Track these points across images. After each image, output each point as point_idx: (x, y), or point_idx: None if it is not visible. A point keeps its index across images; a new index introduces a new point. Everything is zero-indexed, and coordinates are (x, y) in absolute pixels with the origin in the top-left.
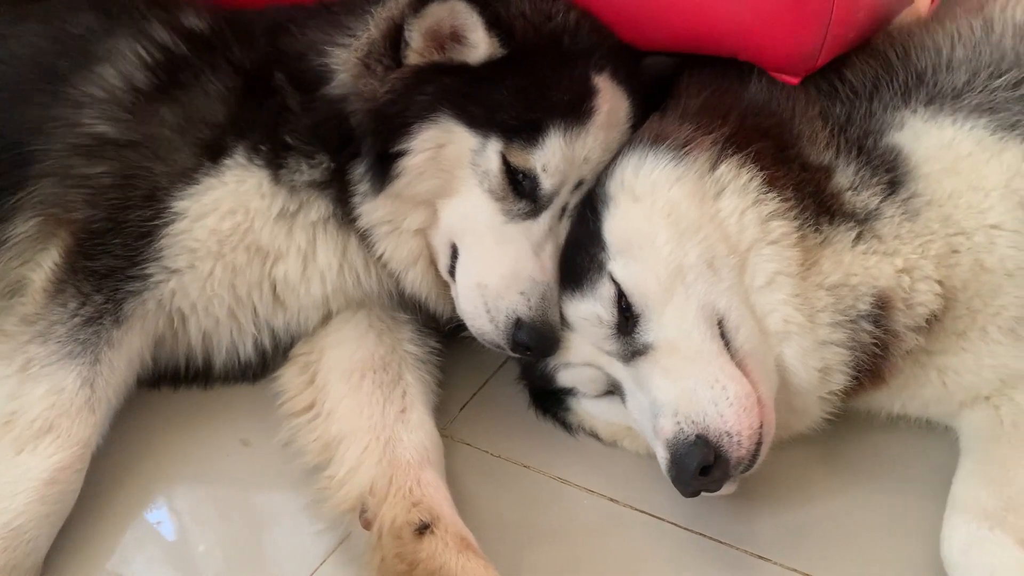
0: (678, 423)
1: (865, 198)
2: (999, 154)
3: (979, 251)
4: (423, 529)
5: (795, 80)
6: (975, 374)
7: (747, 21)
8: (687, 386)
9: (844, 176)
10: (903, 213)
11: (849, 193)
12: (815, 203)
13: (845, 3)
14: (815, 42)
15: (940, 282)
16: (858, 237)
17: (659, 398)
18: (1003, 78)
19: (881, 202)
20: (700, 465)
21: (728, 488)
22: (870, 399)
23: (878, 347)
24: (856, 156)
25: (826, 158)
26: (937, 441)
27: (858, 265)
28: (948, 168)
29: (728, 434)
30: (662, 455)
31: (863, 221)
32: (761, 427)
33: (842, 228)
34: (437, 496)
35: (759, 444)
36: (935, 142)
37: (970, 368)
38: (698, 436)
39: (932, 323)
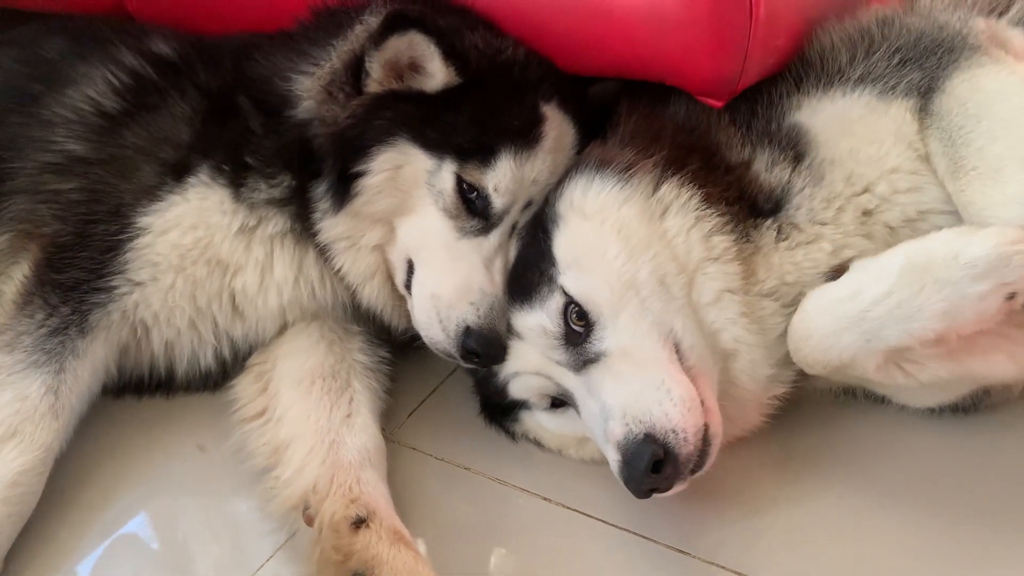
0: (627, 424)
1: (777, 173)
2: (886, 110)
3: (884, 211)
4: (359, 523)
5: (719, 104)
6: None
7: (670, 50)
8: (634, 389)
9: (760, 163)
10: (810, 180)
11: (765, 174)
12: (741, 205)
13: (762, 34)
14: (734, 69)
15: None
16: (779, 233)
17: (608, 402)
18: (877, 53)
19: (791, 174)
20: (651, 461)
21: (677, 487)
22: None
23: None
24: (767, 143)
25: (744, 155)
26: (886, 447)
27: (788, 263)
28: (844, 131)
29: (674, 431)
30: (614, 458)
31: (779, 207)
32: (707, 428)
33: (763, 228)
34: (375, 494)
35: (706, 443)
36: (829, 112)
37: None
38: (646, 435)
39: None
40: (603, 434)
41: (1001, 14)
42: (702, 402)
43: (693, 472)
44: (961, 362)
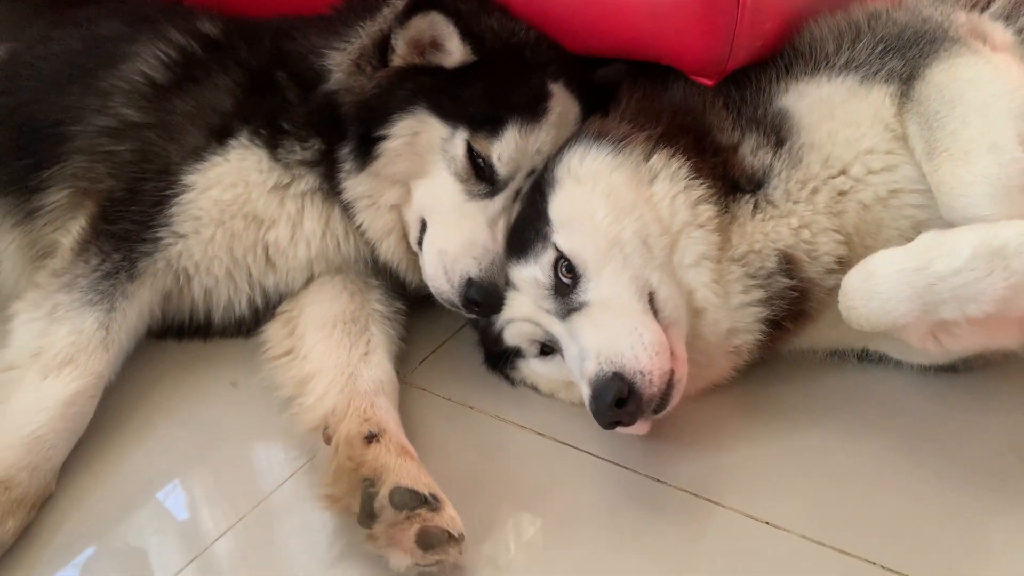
0: (599, 364)
1: (760, 156)
2: (867, 95)
3: (858, 190)
4: (371, 438)
5: (710, 82)
6: None
7: (664, 33)
8: (610, 334)
9: (746, 146)
10: (788, 163)
11: (749, 157)
12: (725, 182)
13: (748, 19)
14: (722, 51)
15: (837, 231)
16: (756, 206)
17: (586, 345)
18: (862, 43)
19: (773, 157)
20: (615, 397)
21: (642, 427)
22: (808, 338)
23: (797, 293)
24: (754, 128)
25: (734, 138)
26: (850, 398)
27: (758, 232)
28: (826, 114)
29: (641, 373)
30: (586, 392)
31: (758, 187)
32: (673, 373)
33: (742, 201)
34: (386, 416)
35: (670, 386)
36: (814, 96)
37: None
38: (615, 373)
39: (843, 264)
40: (580, 372)
41: (983, 9)
42: (671, 350)
43: (657, 412)
44: (991, 337)
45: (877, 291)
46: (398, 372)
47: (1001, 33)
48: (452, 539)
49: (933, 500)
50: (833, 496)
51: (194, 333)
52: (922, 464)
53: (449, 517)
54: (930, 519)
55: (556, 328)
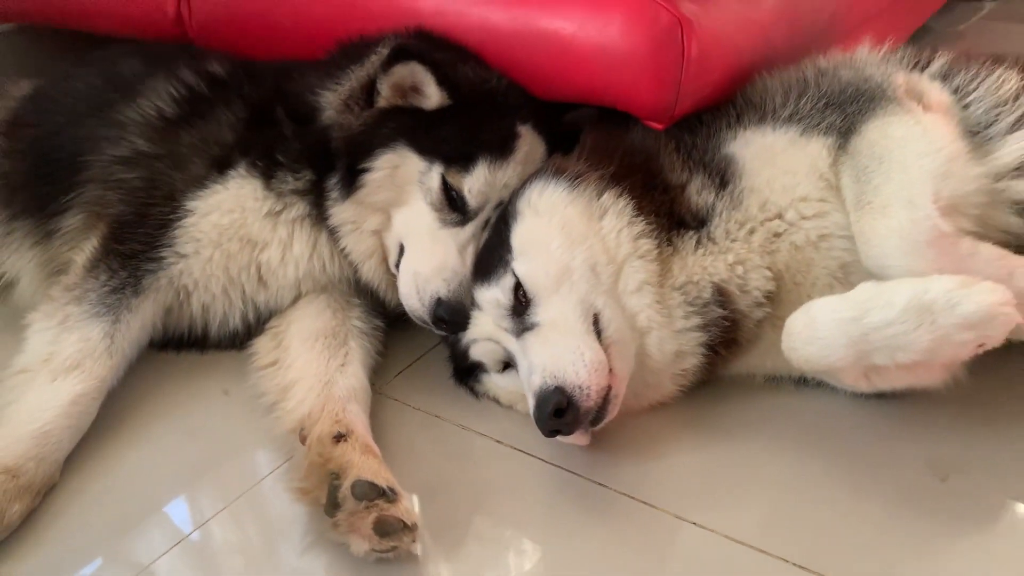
0: (544, 378)
1: (705, 197)
2: (805, 146)
3: (791, 233)
4: (339, 437)
5: (660, 126)
6: None
7: (618, 81)
8: (555, 352)
9: (693, 186)
10: (730, 203)
11: (695, 197)
12: (669, 219)
13: (693, 70)
14: (670, 98)
15: (769, 268)
16: (698, 243)
17: (535, 361)
18: (806, 97)
19: (715, 197)
20: (555, 408)
21: (581, 438)
22: (745, 363)
23: (729, 322)
24: (701, 170)
25: (682, 178)
26: (785, 415)
27: (698, 265)
28: (767, 161)
29: (580, 387)
30: (531, 403)
31: (701, 225)
32: (610, 389)
33: (686, 237)
34: (356, 420)
35: (606, 401)
36: (759, 144)
37: None
38: (557, 387)
39: (771, 298)
40: (528, 385)
41: (923, 68)
42: (610, 368)
43: (594, 424)
44: (917, 378)
45: (817, 336)
46: (374, 384)
47: (937, 93)
48: (407, 528)
49: (852, 507)
50: (758, 502)
51: (192, 345)
52: (846, 476)
53: (405, 508)
54: (847, 525)
55: (512, 345)
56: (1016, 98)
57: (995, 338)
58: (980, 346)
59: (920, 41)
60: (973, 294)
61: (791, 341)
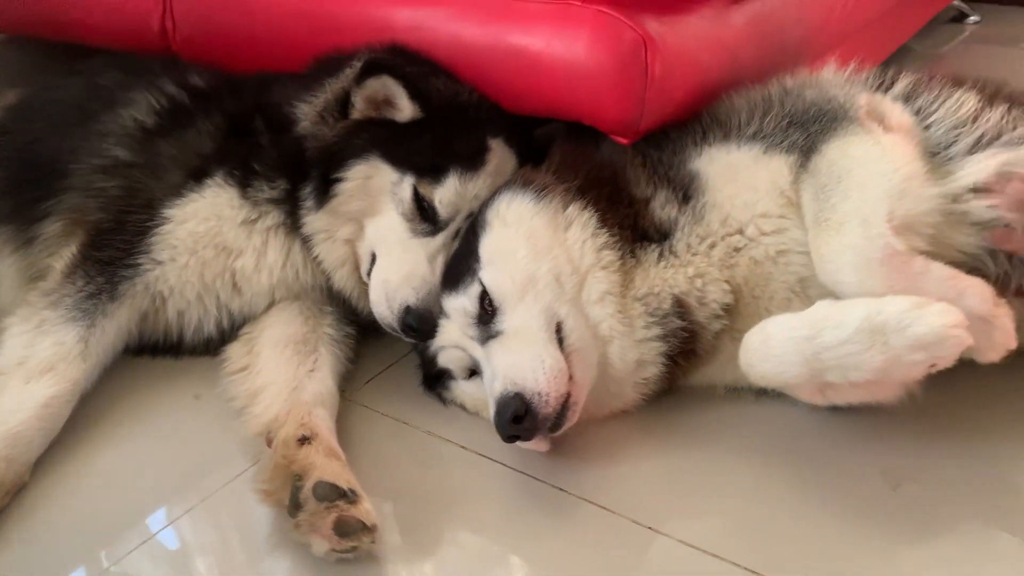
0: (505, 384)
1: (668, 211)
2: (767, 163)
3: (751, 248)
4: (303, 440)
5: (626, 142)
6: None
7: (584, 97)
8: (517, 359)
9: (657, 201)
10: (692, 218)
11: (659, 211)
12: (633, 232)
13: (657, 88)
14: (635, 114)
15: (728, 281)
16: (660, 255)
17: (497, 368)
18: (770, 116)
19: (678, 212)
20: (514, 414)
21: (542, 445)
22: (705, 375)
23: (688, 333)
24: (666, 184)
25: (647, 192)
26: (744, 423)
27: (659, 277)
28: (730, 178)
29: (539, 394)
30: (492, 409)
31: (664, 238)
32: (569, 396)
33: (649, 249)
34: (321, 424)
35: (565, 407)
36: (723, 161)
37: None
38: (516, 393)
39: (729, 311)
40: (490, 392)
41: (887, 90)
42: (571, 376)
43: (553, 430)
44: (871, 394)
45: (772, 354)
46: (345, 391)
47: (899, 114)
48: (366, 529)
49: (808, 514)
50: (716, 509)
51: (167, 351)
52: (803, 484)
53: (365, 510)
54: (803, 531)
55: (478, 353)
56: (975, 119)
57: (946, 359)
58: (932, 366)
59: (901, 62)
60: (925, 316)
61: (747, 357)
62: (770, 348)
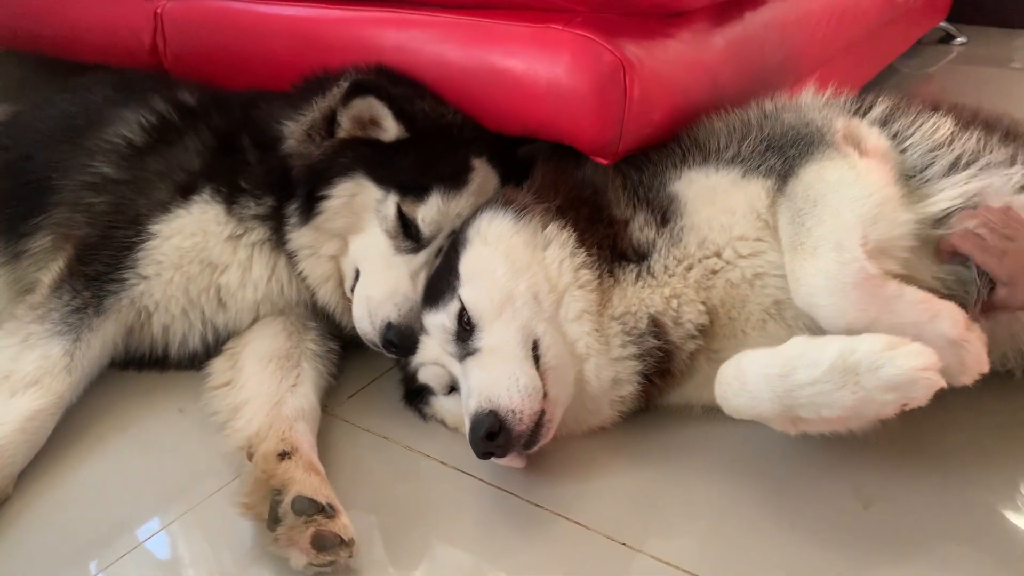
0: (479, 401)
1: (647, 233)
2: (745, 187)
3: (728, 271)
4: (284, 455)
5: (606, 162)
6: None
7: (565, 118)
8: (492, 376)
9: (636, 223)
10: (670, 240)
11: (637, 232)
12: (612, 252)
13: (636, 110)
14: (614, 135)
15: (703, 302)
16: (638, 276)
17: (473, 385)
18: (748, 140)
19: (656, 234)
20: (487, 431)
21: (517, 461)
22: (681, 395)
23: (663, 353)
24: (645, 206)
25: (627, 213)
26: (719, 442)
27: (636, 297)
28: (708, 201)
29: (513, 411)
30: (467, 425)
31: (642, 259)
32: (543, 414)
33: (627, 269)
34: (301, 439)
35: (539, 425)
36: (701, 184)
37: None
38: (490, 411)
39: (704, 332)
40: (466, 408)
41: (864, 114)
42: (545, 393)
43: (527, 447)
44: (844, 426)
45: (746, 389)
46: (327, 406)
47: (875, 138)
48: (344, 543)
49: (780, 533)
50: (690, 526)
51: (152, 365)
52: (776, 502)
53: (342, 524)
54: (775, 549)
55: (456, 369)
56: (950, 143)
57: (918, 400)
58: (904, 406)
59: (888, 82)
60: (897, 357)
61: (722, 391)
62: (744, 383)
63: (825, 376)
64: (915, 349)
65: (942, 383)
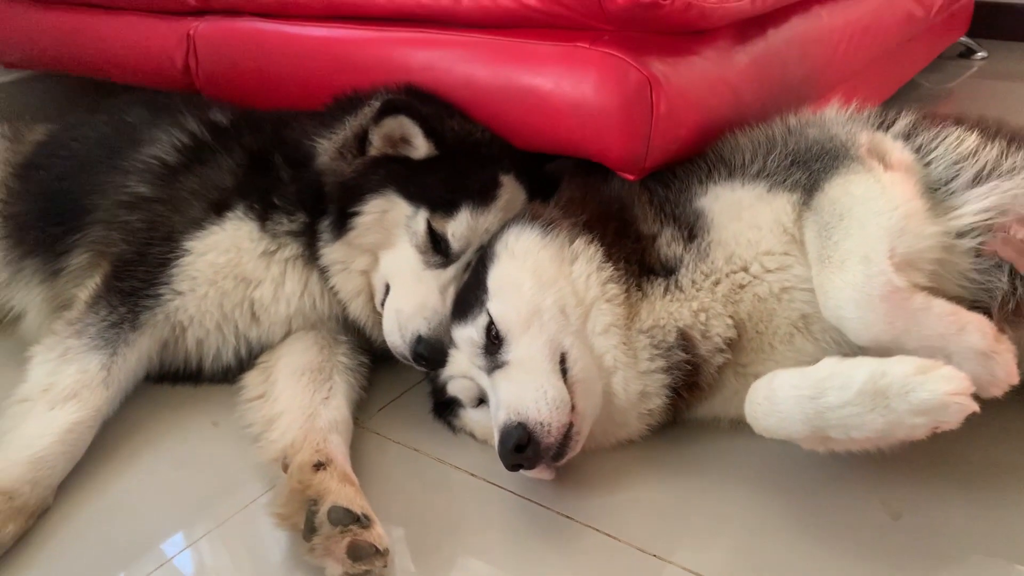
0: (508, 414)
1: (674, 248)
2: (771, 201)
3: (755, 285)
4: (319, 466)
5: (632, 177)
6: None
7: (592, 135)
8: (521, 389)
9: (663, 237)
10: (697, 255)
11: (665, 248)
12: (640, 266)
13: (662, 126)
14: (640, 151)
15: (731, 316)
16: (666, 290)
17: (502, 398)
18: (773, 154)
19: (684, 250)
20: (516, 444)
21: (546, 473)
22: (709, 408)
23: (691, 366)
24: (672, 222)
25: (654, 228)
26: (747, 455)
27: (664, 311)
28: (734, 216)
29: (541, 424)
30: (496, 438)
31: (670, 273)
32: (571, 427)
33: (655, 283)
34: (335, 450)
35: (567, 437)
36: (727, 199)
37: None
38: (519, 423)
39: (732, 345)
40: (495, 421)
41: (888, 128)
42: (573, 406)
43: (556, 459)
44: (874, 446)
45: (776, 409)
46: (358, 418)
47: (899, 152)
48: (378, 553)
49: (809, 543)
50: (720, 537)
51: (186, 379)
52: (804, 513)
53: (377, 534)
54: (804, 560)
55: (484, 382)
56: (974, 155)
57: (950, 423)
58: (935, 429)
59: (909, 97)
60: (928, 382)
61: (752, 410)
62: (774, 404)
63: (855, 399)
64: (946, 373)
65: (974, 407)
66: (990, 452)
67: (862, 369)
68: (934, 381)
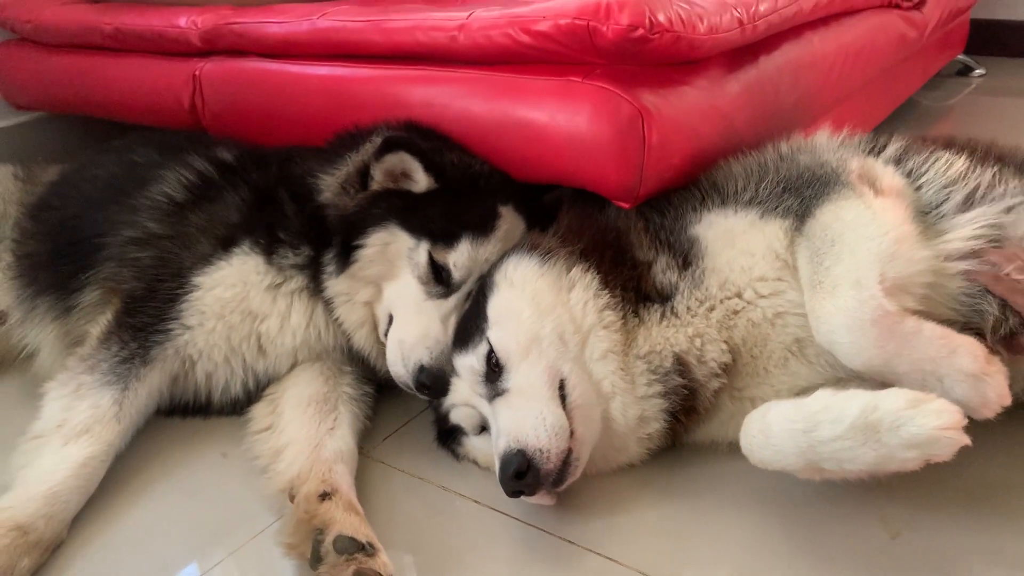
0: (508, 441)
1: (669, 275)
2: (764, 228)
3: (749, 311)
4: (324, 496)
5: (627, 206)
6: (775, 397)
7: (586, 165)
8: (520, 417)
9: (659, 265)
10: (692, 282)
11: (660, 275)
12: (636, 293)
13: (655, 156)
14: (634, 180)
15: (726, 342)
16: (662, 316)
17: (502, 425)
18: (765, 182)
19: (678, 277)
20: (516, 470)
21: (546, 499)
22: (707, 432)
23: (688, 391)
24: (667, 249)
25: (649, 256)
26: (747, 476)
27: (660, 336)
28: (727, 243)
29: (540, 451)
30: (496, 465)
31: (666, 300)
32: (570, 452)
33: (652, 309)
34: (341, 480)
35: (567, 464)
36: (721, 227)
37: (769, 394)
38: (519, 450)
39: (727, 370)
40: (495, 448)
41: (879, 153)
42: (572, 432)
43: (556, 485)
44: (868, 475)
45: (770, 443)
46: (363, 448)
47: (890, 177)
48: None
49: (809, 564)
50: (720, 560)
51: (196, 412)
52: (804, 534)
53: (382, 562)
54: None
55: (486, 410)
56: (964, 178)
57: (941, 456)
58: (927, 461)
59: (908, 115)
60: (919, 416)
61: (747, 443)
62: (768, 438)
63: (847, 433)
64: (937, 407)
65: (965, 440)
66: (988, 471)
67: (854, 403)
68: (924, 416)
